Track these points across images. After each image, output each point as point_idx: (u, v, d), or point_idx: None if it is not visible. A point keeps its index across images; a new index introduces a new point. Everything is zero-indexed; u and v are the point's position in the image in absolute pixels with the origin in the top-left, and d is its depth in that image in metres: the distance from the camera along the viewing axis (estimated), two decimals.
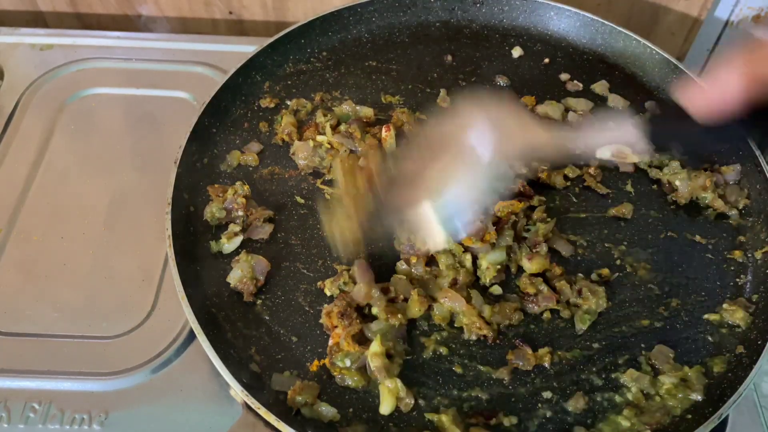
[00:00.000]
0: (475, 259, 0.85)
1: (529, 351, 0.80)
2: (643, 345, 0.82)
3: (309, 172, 0.96)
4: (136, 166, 1.03)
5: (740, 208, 0.93)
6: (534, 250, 0.86)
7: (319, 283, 0.86)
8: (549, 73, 1.10)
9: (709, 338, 0.83)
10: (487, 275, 0.84)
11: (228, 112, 1.02)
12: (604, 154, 0.82)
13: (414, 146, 0.86)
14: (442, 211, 0.79)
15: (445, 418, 0.74)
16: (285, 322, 0.84)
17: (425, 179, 0.79)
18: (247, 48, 1.10)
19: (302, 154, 0.96)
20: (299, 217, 0.93)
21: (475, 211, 0.81)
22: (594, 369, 0.80)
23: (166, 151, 1.02)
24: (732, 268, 0.89)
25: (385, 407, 0.76)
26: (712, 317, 0.84)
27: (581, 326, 0.82)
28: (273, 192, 0.95)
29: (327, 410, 0.76)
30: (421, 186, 0.79)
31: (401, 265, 0.85)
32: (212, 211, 0.90)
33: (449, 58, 1.10)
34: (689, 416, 0.77)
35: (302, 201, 0.95)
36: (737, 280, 0.88)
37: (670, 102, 0.68)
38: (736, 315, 0.83)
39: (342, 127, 0.97)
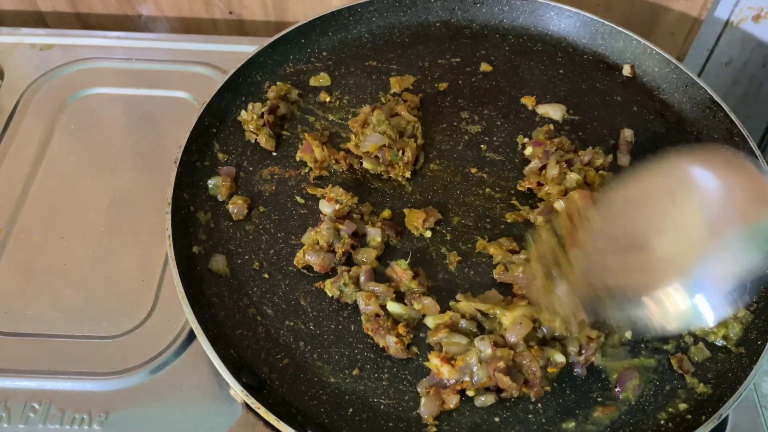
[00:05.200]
0: None
1: None
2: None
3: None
4: (136, 166, 1.03)
5: None
6: None
7: (318, 284, 0.86)
8: (549, 73, 1.10)
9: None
10: None
11: (228, 112, 1.02)
12: None
13: (618, 210, 0.69)
14: (688, 288, 0.62)
15: None
16: (285, 322, 0.84)
17: (648, 250, 0.64)
18: (247, 48, 1.10)
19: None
20: (299, 217, 0.93)
21: (727, 291, 0.62)
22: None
23: (166, 151, 1.02)
24: None
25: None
26: None
27: None
28: (273, 192, 0.96)
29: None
30: (648, 260, 0.64)
31: None
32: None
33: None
34: (689, 416, 0.77)
35: (302, 201, 0.95)
36: None
37: None
38: (737, 313, 0.83)
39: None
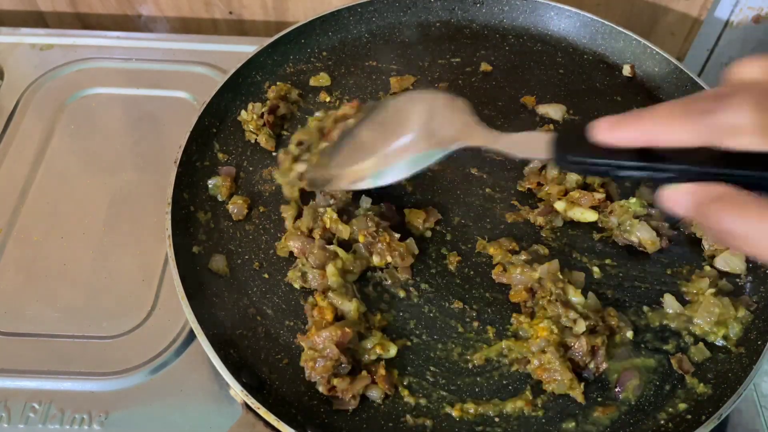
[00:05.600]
0: None
1: None
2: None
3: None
4: (136, 166, 1.03)
5: None
6: None
7: (286, 278, 0.87)
8: (549, 73, 1.10)
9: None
10: None
11: (228, 112, 1.02)
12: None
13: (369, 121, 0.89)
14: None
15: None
16: (285, 322, 0.84)
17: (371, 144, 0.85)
18: (247, 48, 1.10)
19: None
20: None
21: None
22: None
23: (166, 151, 1.02)
24: None
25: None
26: None
27: None
28: (273, 192, 0.96)
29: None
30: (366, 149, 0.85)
31: None
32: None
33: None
34: (689, 416, 0.77)
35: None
36: (737, 280, 0.88)
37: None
38: (737, 313, 0.83)
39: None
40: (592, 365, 0.79)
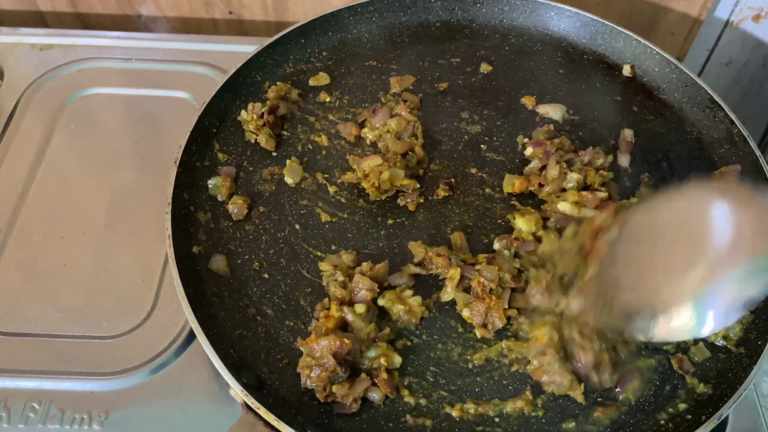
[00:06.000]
0: None
1: None
2: None
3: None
4: (136, 166, 1.03)
5: None
6: None
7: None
8: (549, 73, 1.10)
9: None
10: None
11: (228, 112, 1.02)
12: None
13: (642, 222, 0.73)
14: (698, 300, 0.66)
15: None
16: (285, 322, 0.84)
17: (663, 269, 0.69)
18: (247, 48, 1.10)
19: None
20: (299, 216, 0.93)
21: (733, 306, 0.66)
22: None
23: (166, 151, 1.02)
24: None
25: None
26: None
27: None
28: (273, 192, 0.96)
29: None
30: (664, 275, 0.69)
31: None
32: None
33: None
34: (689, 416, 0.77)
35: (304, 202, 0.95)
36: None
37: None
38: None
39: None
40: (595, 378, 0.78)
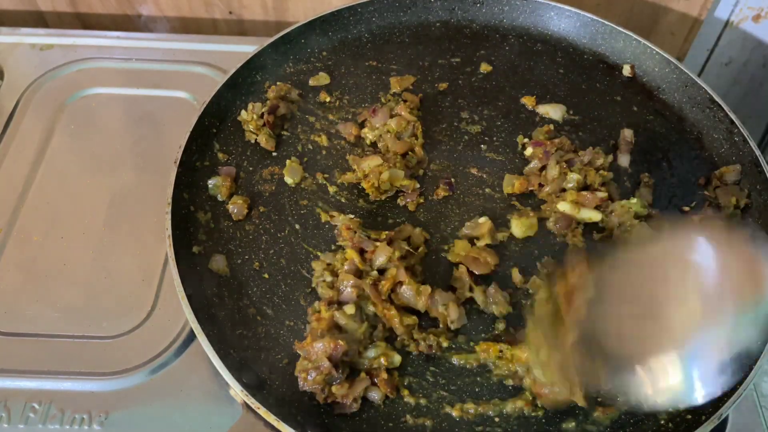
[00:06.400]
0: None
1: None
2: None
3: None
4: (136, 166, 1.03)
5: (740, 208, 0.93)
6: None
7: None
8: (549, 73, 1.10)
9: None
10: None
11: (228, 112, 1.02)
12: None
13: (619, 274, 0.69)
14: (684, 362, 0.62)
15: None
16: (285, 322, 0.84)
17: (653, 319, 0.65)
18: (247, 48, 1.10)
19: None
20: (299, 216, 0.93)
21: (721, 367, 0.62)
22: None
23: (166, 151, 1.02)
24: None
25: None
26: None
27: None
28: (273, 192, 0.96)
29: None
30: (649, 327, 0.65)
31: None
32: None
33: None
34: (689, 416, 0.77)
35: (304, 202, 0.95)
36: None
37: None
38: None
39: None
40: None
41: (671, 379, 0.62)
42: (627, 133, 1.01)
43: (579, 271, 0.70)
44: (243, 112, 1.01)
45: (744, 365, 0.64)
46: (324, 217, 0.92)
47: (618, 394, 0.68)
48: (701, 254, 0.63)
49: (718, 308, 0.61)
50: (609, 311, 0.67)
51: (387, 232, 0.88)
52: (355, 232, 0.86)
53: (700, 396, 0.63)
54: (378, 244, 0.85)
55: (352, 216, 0.91)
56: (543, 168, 0.95)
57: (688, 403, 0.67)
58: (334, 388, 0.76)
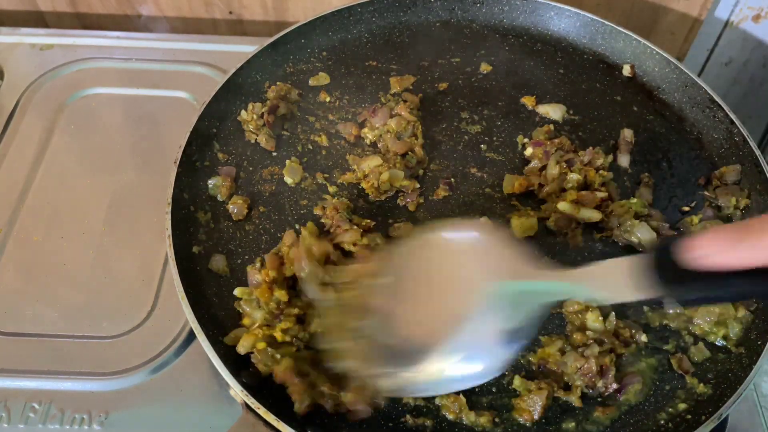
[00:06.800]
0: None
1: None
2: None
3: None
4: (136, 166, 1.03)
5: (740, 208, 0.93)
6: None
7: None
8: (549, 73, 1.10)
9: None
10: None
11: (228, 112, 1.02)
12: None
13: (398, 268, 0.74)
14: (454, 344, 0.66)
15: None
16: None
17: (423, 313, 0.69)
18: (247, 48, 1.10)
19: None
20: (299, 216, 0.93)
21: (493, 347, 0.66)
22: None
23: (166, 151, 1.02)
24: None
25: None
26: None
27: None
28: (273, 192, 0.96)
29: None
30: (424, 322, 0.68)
31: None
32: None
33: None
34: (689, 416, 0.77)
35: (304, 202, 0.95)
36: None
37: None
38: (737, 313, 0.83)
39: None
40: (600, 384, 0.78)
41: (441, 363, 0.66)
42: (627, 133, 1.01)
43: (380, 256, 0.77)
44: (243, 112, 1.01)
45: (512, 344, 0.66)
46: (317, 210, 0.92)
47: (394, 376, 0.69)
48: (468, 244, 0.69)
49: (480, 293, 0.65)
50: (400, 294, 0.71)
51: (368, 221, 0.88)
52: (338, 212, 0.87)
53: (474, 379, 0.67)
54: (355, 227, 0.85)
55: (346, 201, 0.91)
56: (543, 168, 0.95)
57: (465, 384, 0.70)
58: (343, 395, 0.75)
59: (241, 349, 0.77)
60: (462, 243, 0.71)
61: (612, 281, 0.57)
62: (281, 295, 0.80)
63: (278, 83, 1.04)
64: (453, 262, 0.69)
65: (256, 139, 0.99)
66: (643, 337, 0.82)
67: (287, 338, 0.79)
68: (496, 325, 0.64)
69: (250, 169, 0.98)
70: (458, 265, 0.69)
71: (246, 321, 0.81)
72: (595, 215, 0.91)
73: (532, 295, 0.63)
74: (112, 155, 1.04)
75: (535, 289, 0.63)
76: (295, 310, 0.80)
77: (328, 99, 1.05)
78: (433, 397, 0.78)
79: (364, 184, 0.93)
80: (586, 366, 0.78)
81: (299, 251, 0.82)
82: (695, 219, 0.92)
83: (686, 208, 0.94)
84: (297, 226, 0.91)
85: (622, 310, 0.85)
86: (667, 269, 0.52)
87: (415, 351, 0.67)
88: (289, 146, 1.00)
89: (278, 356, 0.77)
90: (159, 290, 0.90)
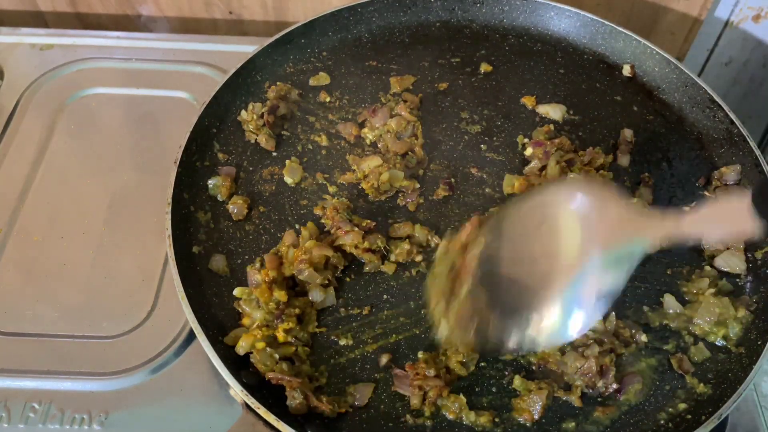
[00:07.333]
0: None
1: None
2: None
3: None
4: (136, 166, 1.03)
5: None
6: None
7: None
8: (549, 73, 1.10)
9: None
10: None
11: (228, 112, 1.02)
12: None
13: (505, 231, 0.75)
14: (561, 302, 0.69)
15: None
16: None
17: (531, 272, 0.71)
18: (247, 48, 1.10)
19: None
20: (299, 216, 0.93)
21: (596, 302, 0.68)
22: None
23: (166, 151, 1.02)
24: None
25: None
26: None
27: None
28: (273, 192, 0.96)
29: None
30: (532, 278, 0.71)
31: None
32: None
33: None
34: (689, 416, 0.77)
35: (304, 202, 0.95)
36: (737, 280, 0.88)
37: None
38: (737, 313, 0.83)
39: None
40: (600, 384, 0.79)
41: (550, 319, 0.69)
42: (627, 133, 1.01)
43: (471, 227, 0.76)
44: (243, 112, 1.01)
45: (609, 300, 0.69)
46: (317, 210, 0.92)
47: (506, 337, 0.71)
48: (575, 206, 0.70)
49: (589, 253, 0.67)
50: (497, 262, 0.73)
51: (368, 221, 0.88)
52: (338, 212, 0.87)
53: (573, 331, 0.69)
54: (356, 229, 0.85)
55: (346, 201, 0.91)
56: (543, 168, 0.95)
57: (564, 339, 0.73)
58: (350, 386, 0.77)
59: (241, 349, 0.78)
60: (570, 206, 0.71)
61: (723, 220, 0.62)
62: (281, 295, 0.80)
63: (278, 83, 1.04)
64: (559, 225, 0.70)
65: (256, 139, 1.00)
66: (643, 337, 0.82)
67: (289, 338, 0.79)
68: (600, 287, 0.67)
69: (250, 169, 0.98)
70: (565, 229, 0.70)
71: (245, 321, 0.82)
72: None
73: (640, 251, 0.66)
74: (112, 155, 1.04)
75: (646, 245, 0.65)
76: (296, 310, 0.81)
77: (328, 99, 1.05)
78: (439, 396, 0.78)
79: (364, 185, 0.94)
80: (586, 366, 0.78)
81: (298, 254, 0.82)
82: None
83: (686, 208, 0.94)
84: (297, 226, 0.91)
85: (622, 310, 0.85)
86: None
87: (515, 312, 0.70)
88: (289, 146, 1.00)
89: (277, 356, 0.77)
90: (159, 290, 0.90)
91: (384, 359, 0.81)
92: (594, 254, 0.67)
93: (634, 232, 0.66)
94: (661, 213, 0.66)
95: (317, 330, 0.83)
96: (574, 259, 0.68)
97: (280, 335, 0.78)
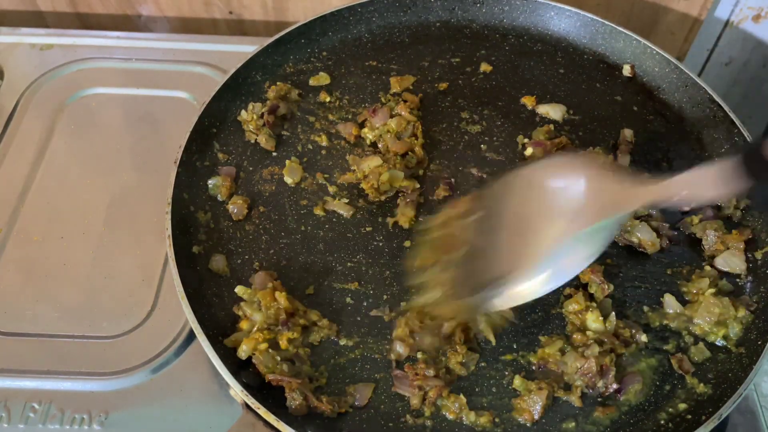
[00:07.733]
0: None
1: None
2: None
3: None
4: (136, 166, 1.03)
5: (740, 208, 0.93)
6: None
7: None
8: (549, 73, 1.10)
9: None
10: None
11: (228, 112, 1.02)
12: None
13: (501, 201, 0.79)
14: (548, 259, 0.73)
15: None
16: None
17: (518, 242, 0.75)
18: (247, 48, 1.10)
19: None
20: (299, 217, 0.93)
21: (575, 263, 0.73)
22: None
23: (166, 151, 1.02)
24: None
25: None
26: None
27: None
28: (273, 192, 0.96)
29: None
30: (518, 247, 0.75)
31: None
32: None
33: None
34: (689, 416, 0.77)
35: (304, 202, 0.95)
36: (737, 280, 0.88)
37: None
38: (737, 313, 0.83)
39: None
40: (600, 384, 0.79)
41: (530, 280, 0.73)
42: (627, 133, 1.01)
43: (470, 197, 0.82)
44: (243, 112, 1.01)
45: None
46: (317, 210, 0.92)
47: (493, 296, 0.75)
48: (564, 177, 0.75)
49: (577, 221, 0.71)
50: (492, 229, 0.77)
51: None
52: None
53: (549, 286, 0.73)
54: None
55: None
56: None
57: (538, 294, 0.74)
58: (352, 386, 0.78)
59: (242, 353, 0.77)
60: (552, 178, 0.76)
61: (708, 183, 0.65)
62: (282, 297, 0.80)
63: (278, 83, 1.04)
64: (543, 197, 0.75)
65: (256, 139, 1.00)
66: (643, 337, 0.82)
67: (290, 348, 0.79)
68: (583, 252, 0.72)
69: (250, 169, 0.98)
70: (548, 201, 0.74)
71: (244, 324, 0.81)
72: None
73: (624, 218, 0.71)
74: (112, 155, 1.04)
75: (629, 214, 0.71)
76: (302, 321, 0.81)
77: (328, 99, 1.05)
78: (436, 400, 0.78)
79: (364, 185, 0.94)
80: (586, 366, 0.78)
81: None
82: (695, 219, 0.92)
83: (686, 208, 0.94)
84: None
85: (622, 310, 0.85)
86: (756, 162, 0.60)
87: (501, 277, 0.74)
88: (289, 146, 1.00)
89: (279, 358, 0.77)
90: (159, 290, 0.90)
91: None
92: (581, 221, 0.71)
93: (621, 201, 0.69)
94: (645, 179, 0.70)
95: (318, 343, 0.83)
96: (562, 227, 0.72)
97: (283, 343, 0.78)
